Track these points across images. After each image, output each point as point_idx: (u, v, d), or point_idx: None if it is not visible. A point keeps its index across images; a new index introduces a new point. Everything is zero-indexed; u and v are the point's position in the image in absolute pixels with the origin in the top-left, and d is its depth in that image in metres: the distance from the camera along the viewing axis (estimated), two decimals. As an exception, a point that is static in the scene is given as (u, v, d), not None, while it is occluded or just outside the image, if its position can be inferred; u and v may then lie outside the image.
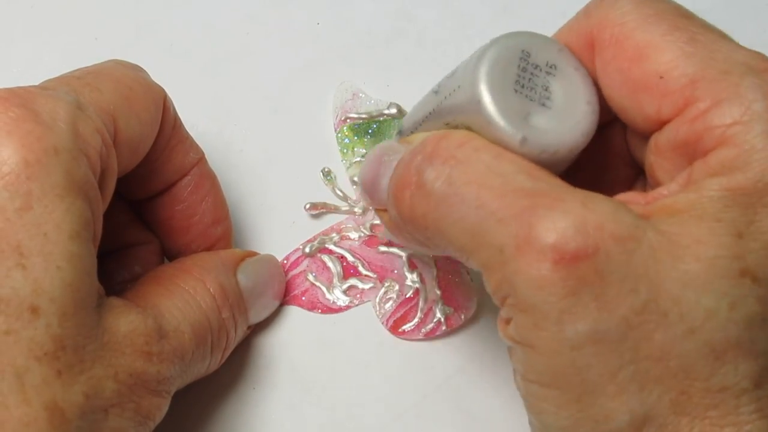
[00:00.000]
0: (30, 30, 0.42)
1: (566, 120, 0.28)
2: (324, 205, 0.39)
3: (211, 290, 0.33)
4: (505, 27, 0.43)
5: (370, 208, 0.32)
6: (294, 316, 0.38)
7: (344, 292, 0.38)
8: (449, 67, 0.42)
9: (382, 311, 0.38)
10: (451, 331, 0.38)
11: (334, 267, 0.38)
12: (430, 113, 0.30)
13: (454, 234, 0.27)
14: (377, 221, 0.39)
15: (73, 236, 0.27)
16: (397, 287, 0.38)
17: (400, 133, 0.33)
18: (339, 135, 0.40)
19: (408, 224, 0.29)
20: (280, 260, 0.38)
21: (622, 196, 0.27)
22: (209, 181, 0.36)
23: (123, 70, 0.32)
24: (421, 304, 0.38)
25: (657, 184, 0.28)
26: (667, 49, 0.27)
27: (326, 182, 0.40)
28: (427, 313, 0.38)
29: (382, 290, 0.38)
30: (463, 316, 0.37)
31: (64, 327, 0.26)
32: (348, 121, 0.40)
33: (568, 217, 0.25)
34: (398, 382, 0.37)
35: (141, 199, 0.35)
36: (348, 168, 0.40)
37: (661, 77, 0.27)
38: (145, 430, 0.30)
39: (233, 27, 0.43)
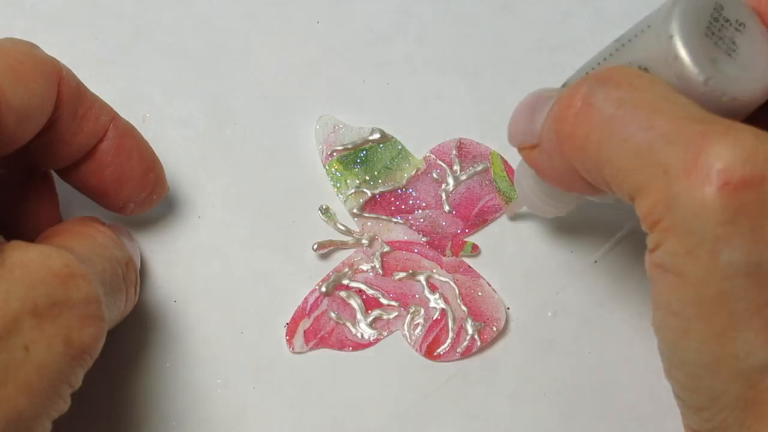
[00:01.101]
0: (29, 29, 0.42)
1: (749, 71, 0.28)
2: (331, 243, 0.39)
3: (104, 231, 0.34)
4: (505, 25, 0.43)
5: (515, 147, 0.32)
6: (293, 315, 0.38)
7: (370, 325, 0.38)
8: (450, 66, 0.43)
9: (413, 338, 0.38)
10: (486, 346, 0.38)
11: (354, 302, 0.38)
12: (603, 60, 0.31)
13: (615, 154, 0.26)
14: (386, 248, 0.39)
15: None
16: (422, 311, 0.38)
17: (565, 85, 0.33)
18: (329, 170, 0.40)
19: (565, 145, 0.28)
20: (299, 303, 0.38)
21: None
22: (129, 137, 0.36)
23: (12, 44, 0.32)
24: (450, 324, 0.38)
25: None
26: None
27: (327, 219, 0.39)
28: (459, 332, 0.37)
29: (408, 317, 0.38)
30: (495, 329, 0.37)
31: None
32: (335, 154, 0.40)
33: (740, 145, 0.24)
34: (399, 383, 0.37)
35: (67, 168, 0.35)
36: (345, 201, 0.40)
37: None
38: (83, 362, 0.28)
39: (233, 26, 0.43)
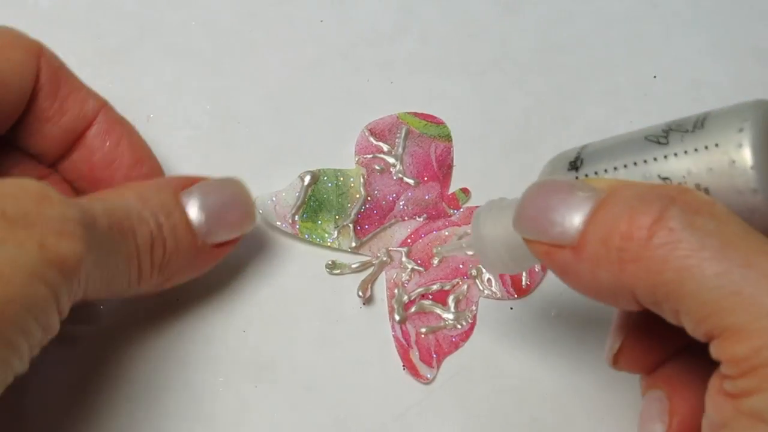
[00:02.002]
0: (33, 30, 0.42)
1: None
2: (366, 282, 0.39)
3: (133, 187, 0.34)
4: (508, 25, 0.43)
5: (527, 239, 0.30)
6: (295, 314, 0.38)
7: (457, 311, 0.38)
8: (453, 65, 0.42)
9: (499, 290, 0.38)
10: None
11: (429, 306, 0.38)
12: (641, 162, 0.28)
13: (703, 287, 0.24)
14: (405, 249, 0.39)
15: None
16: (482, 268, 0.39)
17: (576, 168, 0.30)
18: (303, 234, 0.39)
19: (628, 266, 0.26)
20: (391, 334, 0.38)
21: None
22: (119, 124, 0.36)
23: None
24: None
25: None
26: None
27: (339, 272, 0.39)
28: None
29: (477, 280, 0.39)
30: None
31: None
32: (296, 219, 0.39)
33: None
34: (400, 382, 0.37)
35: (59, 158, 0.36)
36: (339, 245, 0.39)
37: None
38: (62, 272, 0.28)
39: (236, 25, 0.43)
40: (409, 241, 0.39)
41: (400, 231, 0.40)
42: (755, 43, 0.43)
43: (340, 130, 0.41)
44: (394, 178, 0.40)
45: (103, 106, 0.36)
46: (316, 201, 0.40)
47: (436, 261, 0.39)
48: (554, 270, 0.29)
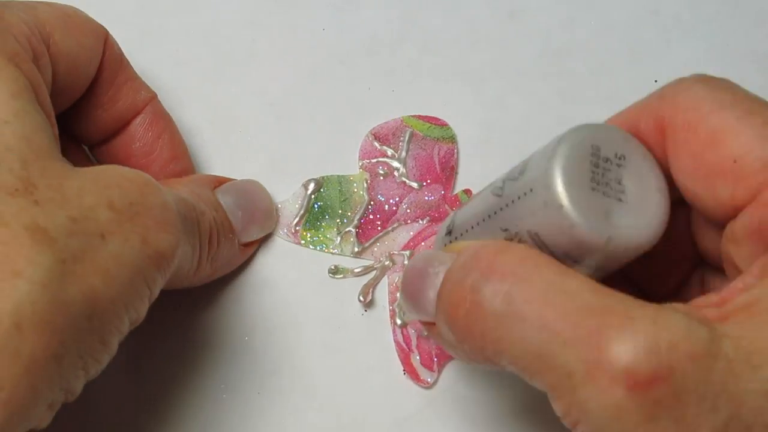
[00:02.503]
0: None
1: (644, 212, 0.27)
2: (368, 286, 0.39)
3: (183, 182, 0.35)
4: (510, 32, 0.43)
5: (411, 321, 0.31)
6: (297, 321, 0.38)
7: None
8: (455, 73, 0.43)
9: None
10: None
11: None
12: (487, 218, 0.29)
13: (515, 354, 0.25)
14: (407, 252, 0.39)
15: (14, 95, 0.28)
16: None
17: (449, 234, 0.32)
18: (306, 242, 0.39)
19: (464, 343, 0.27)
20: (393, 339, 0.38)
21: (697, 302, 0.26)
22: (164, 119, 0.37)
23: (62, 4, 0.34)
24: None
25: (737, 273, 0.27)
26: (742, 133, 0.26)
27: (342, 276, 0.39)
28: None
29: None
30: None
31: (29, 171, 0.27)
32: (297, 228, 0.40)
33: (639, 337, 0.23)
34: (402, 388, 0.37)
35: (99, 142, 0.36)
36: (341, 251, 0.39)
37: (735, 161, 0.26)
38: (160, 267, 0.29)
39: (238, 33, 0.43)
40: (411, 244, 0.39)
41: (403, 234, 0.39)
42: (755, 48, 0.43)
43: (341, 138, 0.41)
44: (397, 181, 0.40)
45: (153, 98, 0.37)
46: (320, 208, 0.40)
47: None
48: (441, 344, 0.30)
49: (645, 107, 0.29)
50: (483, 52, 0.43)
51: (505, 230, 0.28)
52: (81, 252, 0.26)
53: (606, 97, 0.42)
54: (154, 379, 0.37)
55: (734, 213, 0.27)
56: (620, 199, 0.27)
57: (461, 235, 0.31)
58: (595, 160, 0.27)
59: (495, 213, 0.29)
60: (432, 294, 0.29)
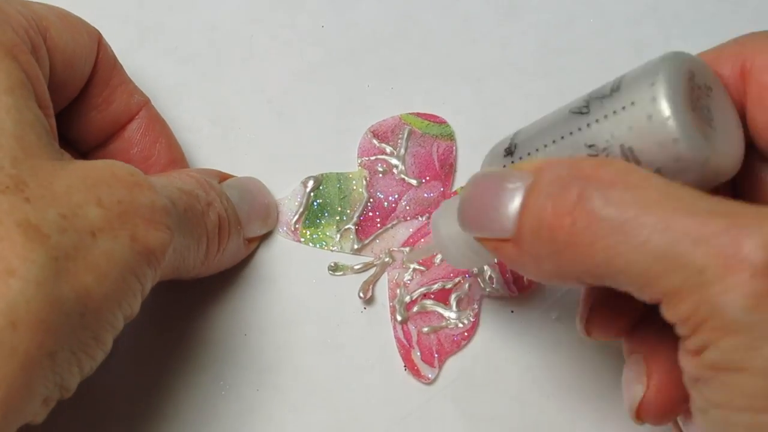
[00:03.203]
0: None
1: (729, 142, 0.27)
2: (368, 282, 0.39)
3: (193, 174, 0.35)
4: (509, 30, 0.43)
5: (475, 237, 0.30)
6: (296, 318, 0.38)
7: (459, 310, 0.38)
8: (454, 71, 0.42)
9: (500, 288, 0.38)
10: None
11: (431, 306, 0.38)
12: (567, 134, 0.29)
13: (631, 261, 0.25)
14: (407, 249, 0.39)
15: (7, 91, 0.28)
16: (483, 266, 0.39)
17: (510, 154, 0.31)
18: (306, 240, 0.39)
19: (565, 253, 0.26)
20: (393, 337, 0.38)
21: None
22: (159, 123, 0.37)
23: (55, 6, 0.34)
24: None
25: None
26: None
27: (342, 273, 0.39)
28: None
29: (479, 279, 0.39)
30: None
31: (19, 169, 0.27)
32: (296, 225, 0.40)
33: None
34: (402, 385, 0.37)
35: (95, 147, 0.37)
36: (341, 249, 0.39)
37: None
38: (150, 263, 0.29)
39: (237, 30, 0.43)
40: (411, 241, 0.39)
41: (402, 231, 0.39)
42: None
43: (341, 136, 0.41)
44: (396, 178, 0.40)
45: (147, 103, 0.37)
46: (319, 205, 0.40)
47: (437, 260, 0.39)
48: (505, 263, 0.30)
49: (723, 52, 0.29)
50: (482, 50, 0.43)
51: (591, 146, 0.28)
52: (73, 249, 0.27)
53: (605, 94, 0.42)
54: (153, 376, 0.37)
55: None
56: (710, 125, 0.27)
57: (529, 154, 0.30)
58: (692, 85, 0.27)
59: (579, 129, 0.28)
60: (511, 208, 0.28)
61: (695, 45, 0.43)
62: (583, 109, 0.28)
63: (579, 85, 0.42)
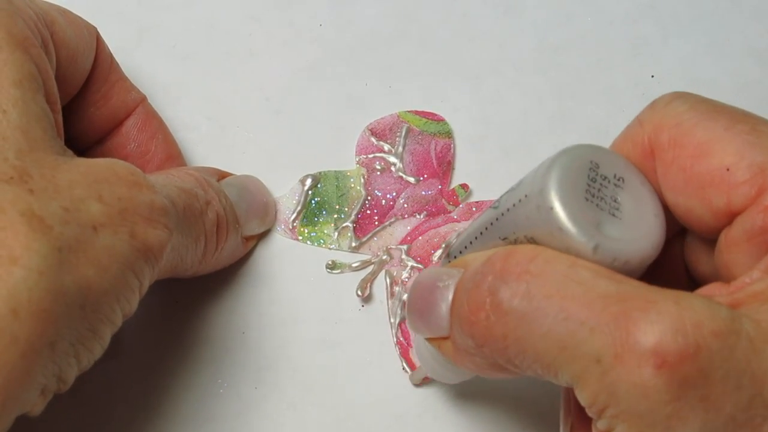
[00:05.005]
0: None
1: (636, 230, 0.27)
2: (366, 281, 0.39)
3: (192, 172, 0.35)
4: (507, 27, 0.43)
5: (423, 337, 0.31)
6: (294, 316, 0.38)
7: None
8: (452, 69, 0.43)
9: None
10: None
11: None
12: (485, 230, 0.30)
13: (539, 350, 0.25)
14: (405, 247, 0.39)
15: (16, 83, 0.28)
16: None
17: (448, 255, 0.32)
18: (304, 238, 0.39)
19: (485, 348, 0.27)
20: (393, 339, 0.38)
21: (704, 290, 0.27)
22: (156, 119, 0.38)
23: (57, 4, 0.34)
24: None
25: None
26: (731, 141, 0.26)
27: (339, 271, 0.39)
28: None
29: None
30: None
31: (24, 161, 0.27)
32: (294, 223, 0.40)
33: (665, 318, 0.24)
34: (400, 383, 0.37)
35: (92, 144, 0.37)
36: (339, 246, 0.39)
37: (727, 169, 0.26)
38: (148, 260, 0.29)
39: (236, 28, 0.43)
40: (408, 238, 0.39)
41: (400, 229, 0.40)
42: (753, 43, 0.43)
43: (339, 134, 0.41)
44: (394, 176, 0.40)
45: (143, 99, 0.37)
46: (317, 203, 0.40)
47: (435, 258, 0.39)
48: (452, 361, 0.30)
49: (627, 137, 0.29)
50: (480, 48, 0.43)
51: (504, 239, 0.29)
52: (75, 242, 0.27)
53: (603, 92, 0.42)
54: (151, 374, 0.37)
55: (729, 220, 0.27)
56: (614, 215, 0.27)
57: (460, 252, 0.31)
58: (593, 175, 0.27)
59: (492, 224, 0.29)
60: (444, 307, 0.29)
61: (692, 42, 0.43)
62: (495, 204, 0.29)
63: (576, 83, 0.42)
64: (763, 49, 0.43)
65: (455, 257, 0.31)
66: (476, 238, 0.30)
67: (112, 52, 0.37)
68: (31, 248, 0.26)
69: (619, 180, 0.28)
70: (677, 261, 0.31)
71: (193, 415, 0.36)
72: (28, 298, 0.25)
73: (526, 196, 0.27)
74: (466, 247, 0.31)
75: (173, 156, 0.38)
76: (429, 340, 0.31)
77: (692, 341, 0.23)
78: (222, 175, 0.38)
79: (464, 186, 0.40)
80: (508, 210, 0.28)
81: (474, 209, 0.40)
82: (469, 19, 0.44)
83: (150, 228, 0.29)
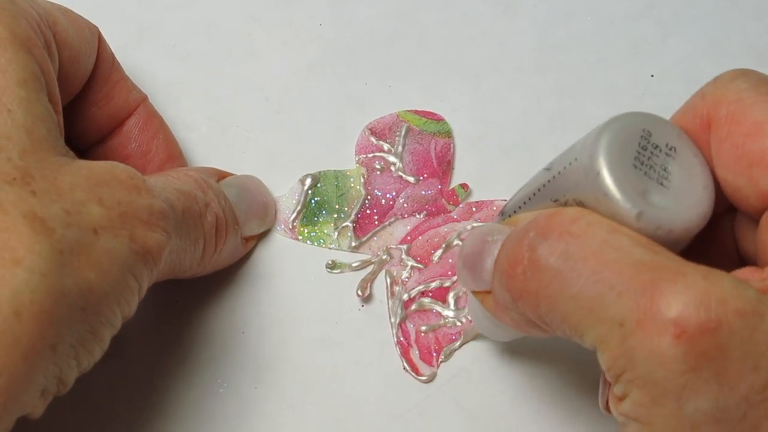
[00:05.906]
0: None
1: (683, 201, 0.27)
2: (366, 281, 0.39)
3: (191, 174, 0.35)
4: (506, 27, 0.43)
5: (468, 291, 0.31)
6: (294, 315, 0.38)
7: (457, 308, 0.38)
8: (452, 68, 0.43)
9: None
10: None
11: (429, 304, 0.38)
12: (537, 191, 0.30)
13: (569, 310, 0.26)
14: (405, 246, 0.39)
15: (20, 83, 0.28)
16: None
17: (502, 214, 0.33)
18: (304, 238, 0.39)
19: (519, 302, 0.28)
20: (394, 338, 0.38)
21: (739, 272, 0.27)
22: (157, 119, 0.38)
23: (59, 4, 0.34)
24: None
25: None
26: None
27: (339, 271, 0.39)
28: None
29: None
30: None
31: (27, 161, 0.27)
32: (294, 223, 0.40)
33: (690, 291, 0.24)
34: (400, 382, 0.37)
35: (94, 143, 0.37)
36: (339, 246, 0.39)
37: None
38: (147, 263, 0.30)
39: (235, 28, 0.43)
40: (408, 238, 0.39)
41: (400, 229, 0.40)
42: (753, 43, 0.43)
43: (338, 133, 0.41)
44: (394, 176, 0.40)
45: (144, 99, 0.37)
46: (317, 203, 0.40)
47: (435, 257, 0.39)
48: (492, 315, 0.31)
49: (688, 109, 0.29)
50: (480, 47, 0.43)
51: (555, 200, 0.29)
52: (77, 245, 0.27)
53: (604, 91, 0.42)
54: (151, 374, 0.37)
55: None
56: (662, 184, 0.27)
57: (514, 212, 0.32)
58: (644, 143, 0.28)
59: (544, 186, 0.30)
60: (489, 261, 0.30)
61: (692, 42, 0.43)
62: (548, 166, 0.30)
63: (577, 82, 0.42)
64: (763, 49, 0.43)
65: (509, 216, 0.32)
66: (529, 198, 0.31)
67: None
68: (33, 250, 0.26)
69: (671, 149, 0.28)
70: (728, 239, 0.31)
71: (193, 415, 0.36)
72: (30, 300, 0.25)
73: (576, 159, 0.28)
74: (520, 207, 0.31)
75: (174, 156, 0.38)
76: (474, 293, 0.31)
77: (714, 316, 0.24)
78: (222, 176, 0.38)
79: (464, 186, 0.40)
80: (559, 172, 0.29)
81: (474, 209, 0.40)
82: (469, 19, 0.44)
83: (149, 231, 0.29)
